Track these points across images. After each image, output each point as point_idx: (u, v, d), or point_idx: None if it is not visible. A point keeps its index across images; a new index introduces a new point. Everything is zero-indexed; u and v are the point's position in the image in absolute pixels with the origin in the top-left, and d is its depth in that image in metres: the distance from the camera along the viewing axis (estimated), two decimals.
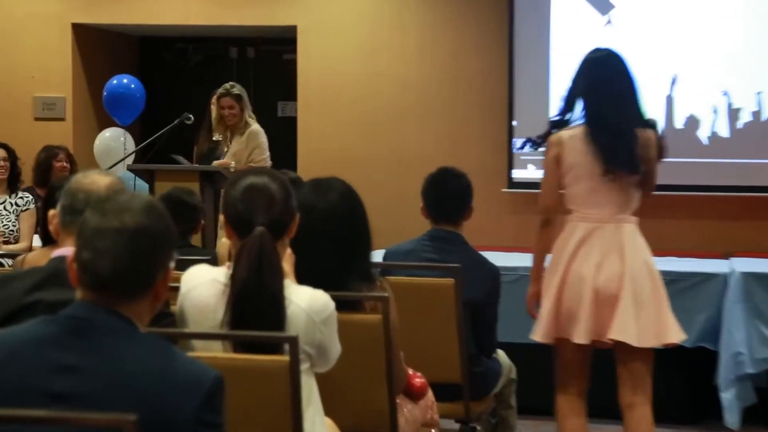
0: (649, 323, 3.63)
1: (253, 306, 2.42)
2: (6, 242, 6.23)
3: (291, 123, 8.75)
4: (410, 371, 3.19)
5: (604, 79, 3.70)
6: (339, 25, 8.28)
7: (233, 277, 2.45)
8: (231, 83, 6.66)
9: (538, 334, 3.78)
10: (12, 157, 6.40)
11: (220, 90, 6.63)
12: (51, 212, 2.63)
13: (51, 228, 2.59)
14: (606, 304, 3.65)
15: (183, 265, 2.70)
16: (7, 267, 4.38)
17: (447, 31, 8.16)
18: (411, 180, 4.40)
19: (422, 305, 3.68)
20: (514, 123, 7.91)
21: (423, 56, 8.18)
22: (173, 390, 1.79)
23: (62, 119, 8.55)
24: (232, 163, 6.44)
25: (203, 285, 2.53)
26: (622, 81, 3.71)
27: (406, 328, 3.26)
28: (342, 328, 2.61)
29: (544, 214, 3.86)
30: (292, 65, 8.53)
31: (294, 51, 8.46)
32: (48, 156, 6.69)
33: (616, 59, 3.74)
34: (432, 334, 3.69)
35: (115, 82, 7.95)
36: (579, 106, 3.79)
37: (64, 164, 6.59)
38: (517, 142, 7.84)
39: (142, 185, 6.28)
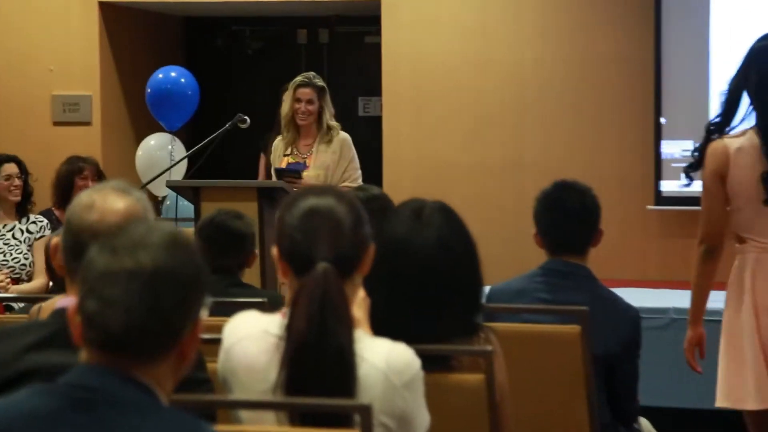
0: None
1: (315, 365, 2.42)
2: (17, 280, 6.33)
3: (374, 124, 8.79)
4: None
5: None
6: None
7: (289, 328, 2.45)
8: (312, 73, 6.70)
9: (748, 399, 3.83)
10: (24, 174, 6.55)
11: (299, 78, 6.64)
12: (54, 240, 2.66)
13: (55, 264, 2.62)
14: None
15: (230, 311, 2.72)
16: (18, 313, 4.46)
17: (574, 6, 8.11)
18: (528, 195, 4.42)
19: (538, 360, 3.65)
20: (663, 121, 7.83)
21: (544, 37, 8.15)
22: None
23: (88, 123, 8.70)
24: (321, 175, 6.45)
25: (251, 338, 2.53)
26: None
27: (516, 390, 3.21)
28: (431, 392, 2.59)
29: (706, 241, 3.93)
30: (375, 51, 8.57)
31: (378, 33, 8.50)
32: (70, 171, 6.83)
33: None
34: (551, 397, 3.66)
35: (161, 76, 8.06)
36: (745, 106, 3.84)
37: (90, 182, 6.71)
38: (666, 145, 7.75)
39: (187, 207, 6.36)
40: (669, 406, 4.38)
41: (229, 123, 6.42)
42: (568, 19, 8.12)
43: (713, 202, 3.94)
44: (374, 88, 8.75)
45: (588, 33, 8.09)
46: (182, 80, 8.06)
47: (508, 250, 7.59)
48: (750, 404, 3.82)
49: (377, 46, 8.49)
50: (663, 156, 7.82)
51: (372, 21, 8.71)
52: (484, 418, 2.89)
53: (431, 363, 2.70)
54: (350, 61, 9.68)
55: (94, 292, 1.86)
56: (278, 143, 6.66)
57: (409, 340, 2.58)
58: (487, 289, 4.05)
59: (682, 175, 7.41)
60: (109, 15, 8.77)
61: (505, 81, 8.22)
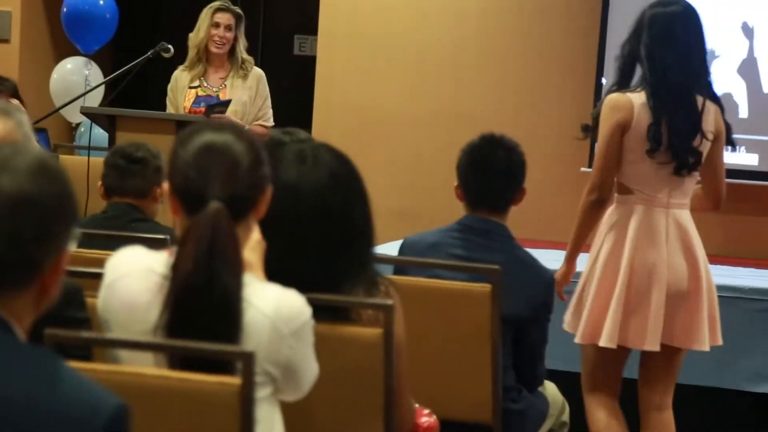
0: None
1: (199, 308, 2.38)
2: None
3: (309, 65, 8.71)
4: (417, 407, 3.15)
5: (676, 39, 4.14)
6: None
7: (175, 268, 2.42)
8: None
9: (603, 336, 4.17)
10: None
11: (216, 2, 6.51)
12: None
13: None
14: (677, 304, 4.18)
15: (123, 245, 2.67)
16: None
17: None
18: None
19: (444, 318, 3.66)
20: (604, 81, 7.83)
21: None
22: (55, 426, 1.74)
23: (6, 41, 8.56)
24: (238, 112, 6.34)
25: (134, 275, 2.49)
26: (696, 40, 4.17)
27: (418, 347, 3.23)
28: (324, 343, 2.58)
29: (599, 191, 4.20)
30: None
31: None
32: None
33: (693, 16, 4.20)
34: (454, 357, 3.67)
35: None
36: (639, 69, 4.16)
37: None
38: None
39: (101, 135, 6.28)
40: (576, 371, 4.44)
41: (151, 51, 6.33)
42: None
43: (612, 153, 4.16)
44: (310, 27, 8.67)
45: None
46: (101, 2, 7.93)
47: (437, 204, 7.60)
48: (604, 341, 4.16)
49: None
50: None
51: None
52: (379, 374, 2.88)
53: (327, 313, 2.69)
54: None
55: None
56: (180, 74, 6.51)
57: (305, 288, 2.56)
58: (400, 241, 4.09)
59: None
60: None
61: (444, 25, 8.18)
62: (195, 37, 6.47)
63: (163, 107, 6.66)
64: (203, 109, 6.28)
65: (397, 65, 8.23)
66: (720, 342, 4.28)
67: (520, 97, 8.09)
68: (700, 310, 4.17)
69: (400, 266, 3.88)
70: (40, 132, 7.46)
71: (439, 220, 5.23)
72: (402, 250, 4.00)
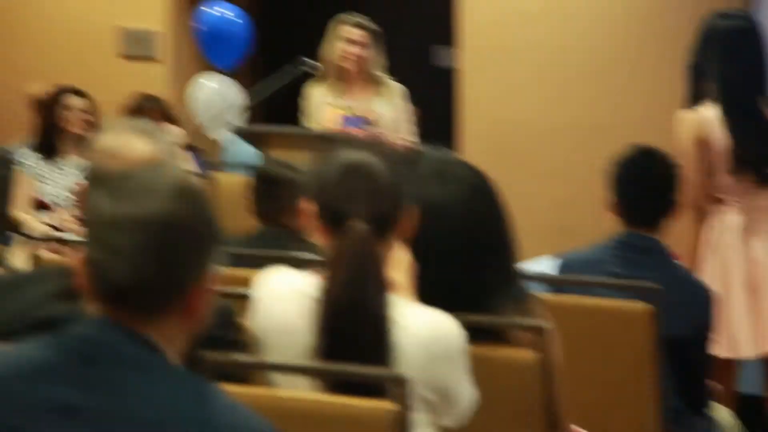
0: None
1: (349, 330, 2.40)
2: None
3: (446, 76, 8.68)
4: (575, 428, 3.13)
5: (740, 54, 4.35)
6: None
7: (324, 291, 2.42)
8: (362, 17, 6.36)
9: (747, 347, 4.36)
10: (92, 106, 6.57)
11: (349, 17, 6.27)
12: (80, 185, 2.64)
13: (81, 210, 2.60)
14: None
15: (275, 266, 2.67)
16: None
17: None
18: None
19: (603, 338, 3.61)
20: None
21: None
22: None
23: (154, 59, 8.71)
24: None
25: (287, 298, 2.52)
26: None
27: (577, 369, 3.19)
28: (477, 365, 2.56)
29: (696, 205, 4.41)
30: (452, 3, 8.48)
31: None
32: (133, 110, 6.81)
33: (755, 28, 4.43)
34: (614, 379, 3.62)
35: (212, 11, 7.96)
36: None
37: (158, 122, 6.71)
38: None
39: (249, 152, 6.34)
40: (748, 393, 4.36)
41: (297, 68, 6.37)
42: None
43: (698, 167, 4.38)
44: (450, 37, 8.63)
45: None
46: (234, 18, 7.97)
47: (595, 218, 7.49)
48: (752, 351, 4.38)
49: None
50: None
51: None
52: (537, 398, 2.84)
53: (478, 334, 2.65)
54: (424, 4, 9.52)
55: (98, 240, 1.82)
56: (314, 90, 6.31)
57: (454, 307, 2.55)
58: (558, 259, 4.05)
59: None
60: None
61: (594, 33, 8.05)
62: (325, 51, 6.28)
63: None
64: (351, 130, 6.23)
65: (543, 74, 8.13)
66: None
67: (674, 106, 7.93)
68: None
69: (554, 285, 3.85)
70: (194, 151, 7.59)
71: (593, 234, 5.17)
72: (564, 267, 3.97)
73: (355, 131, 6.12)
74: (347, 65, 6.17)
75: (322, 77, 6.26)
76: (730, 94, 4.29)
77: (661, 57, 7.91)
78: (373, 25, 6.25)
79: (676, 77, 7.85)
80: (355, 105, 6.24)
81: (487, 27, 8.21)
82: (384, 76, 6.28)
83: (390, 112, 6.27)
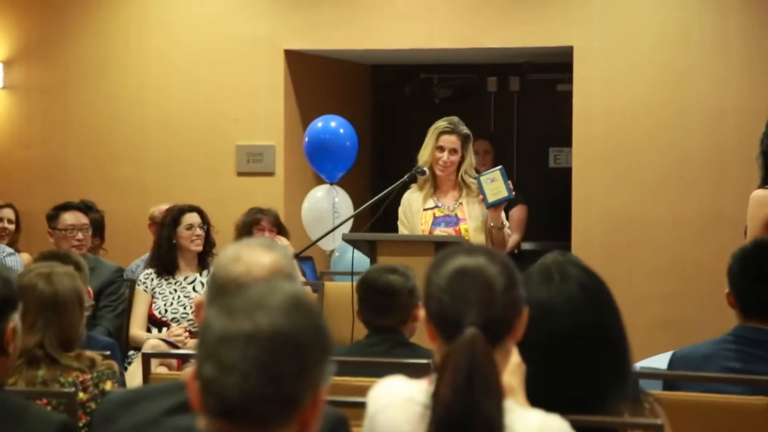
0: None
1: None
2: (196, 334, 6.39)
3: (565, 176, 8.67)
4: None
5: None
6: (630, 43, 8.17)
7: (435, 398, 2.38)
8: (456, 118, 6.43)
9: None
10: (206, 224, 6.65)
11: (442, 123, 6.37)
12: (198, 299, 2.67)
13: (198, 321, 2.63)
14: None
15: (394, 372, 2.66)
16: None
17: None
18: (728, 252, 4.38)
19: None
20: None
21: (747, 82, 7.92)
22: None
23: (271, 174, 8.84)
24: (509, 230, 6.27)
25: (396, 406, 2.47)
26: None
27: None
28: None
29: None
30: (567, 99, 8.48)
31: (570, 80, 8.41)
32: (248, 223, 6.92)
33: None
34: None
35: (320, 125, 8.11)
36: None
37: (267, 234, 6.79)
38: None
39: (361, 260, 6.37)
40: None
41: (407, 174, 6.40)
42: None
43: None
44: (566, 139, 8.64)
45: None
46: (341, 131, 8.08)
47: (704, 312, 7.37)
48: None
49: (569, 94, 8.39)
50: None
51: (564, 68, 8.63)
52: None
53: None
54: (541, 109, 9.60)
55: (211, 356, 1.82)
56: (411, 196, 6.42)
57: (566, 409, 2.49)
58: (669, 354, 3.97)
59: None
60: (295, 63, 8.89)
61: (703, 130, 8.01)
62: (420, 158, 6.39)
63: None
64: (444, 230, 6.26)
65: (653, 168, 8.08)
66: None
67: None
68: None
69: (670, 381, 3.77)
70: (306, 260, 7.65)
71: (708, 329, 5.07)
72: (672, 363, 3.89)
73: (445, 230, 6.20)
74: (438, 171, 6.30)
75: (419, 182, 6.36)
76: None
77: None
78: (465, 129, 6.34)
79: None
80: (448, 206, 6.33)
81: (599, 123, 8.20)
82: (472, 181, 6.31)
83: (481, 209, 6.28)
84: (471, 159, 6.37)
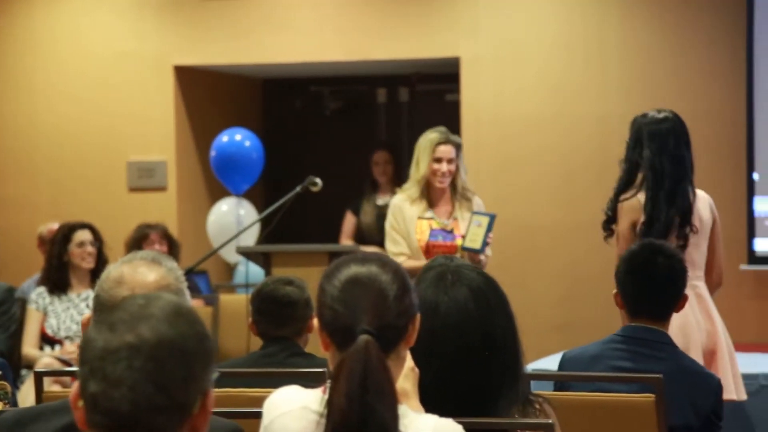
0: None
1: None
2: None
3: None
4: None
5: (670, 151, 5.07)
6: (516, 54, 8.27)
7: (330, 405, 2.39)
8: (444, 128, 6.20)
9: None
10: (98, 241, 6.60)
11: (435, 135, 6.10)
12: (86, 317, 2.64)
13: None
14: (709, 361, 4.79)
15: (290, 382, 2.66)
16: None
17: (661, 57, 8.01)
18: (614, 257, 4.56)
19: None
20: (755, 177, 7.68)
21: (630, 92, 8.06)
22: None
23: (163, 189, 8.79)
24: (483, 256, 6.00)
25: (291, 414, 2.47)
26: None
27: None
28: None
29: None
30: (456, 109, 8.56)
31: (458, 90, 8.49)
32: (136, 239, 6.88)
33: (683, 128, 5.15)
34: None
35: (225, 138, 8.13)
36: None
37: (156, 247, 6.76)
38: (759, 201, 7.62)
39: (259, 273, 6.37)
40: None
41: (299, 186, 6.41)
42: (654, 74, 8.03)
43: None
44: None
45: (676, 87, 7.99)
46: (247, 143, 8.09)
47: (596, 314, 7.48)
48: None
49: (458, 105, 8.47)
50: (756, 213, 7.69)
51: (452, 79, 8.70)
52: None
53: None
54: (431, 120, 9.60)
55: (95, 372, 1.80)
56: (404, 204, 6.11)
57: (458, 411, 2.51)
58: (559, 355, 4.03)
59: None
60: (185, 79, 8.86)
61: (588, 139, 8.14)
62: (416, 172, 6.11)
63: (316, 239, 6.69)
64: (442, 243, 6.07)
65: (543, 176, 8.19)
66: (745, 397, 4.89)
67: None
68: (725, 367, 4.76)
69: (560, 381, 3.82)
70: (201, 274, 7.62)
71: (600, 331, 5.15)
72: (562, 364, 3.94)
73: (443, 243, 6.04)
74: (437, 183, 6.06)
75: (410, 198, 6.11)
76: (662, 184, 4.97)
77: None
78: (458, 138, 6.17)
79: None
80: (442, 219, 6.12)
81: (489, 134, 8.28)
82: (468, 189, 6.18)
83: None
84: (464, 167, 6.18)
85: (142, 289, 2.45)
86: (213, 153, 8.08)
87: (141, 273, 2.50)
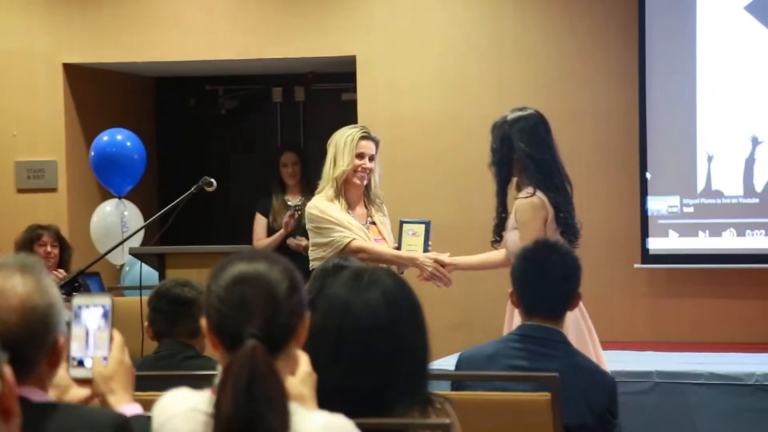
0: None
1: None
2: None
3: None
4: None
5: (544, 141, 5.27)
6: (411, 52, 8.28)
7: (216, 409, 2.35)
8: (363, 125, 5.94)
9: None
10: None
11: (356, 131, 5.75)
12: None
13: None
14: None
15: (185, 384, 2.62)
16: None
17: (556, 58, 8.09)
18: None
19: (506, 430, 3.60)
20: (648, 176, 7.78)
21: (524, 93, 8.11)
22: None
23: (53, 190, 8.66)
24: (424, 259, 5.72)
25: (181, 416, 2.44)
26: None
27: None
28: None
29: None
30: (352, 108, 8.54)
31: (354, 90, 8.47)
32: (28, 240, 6.77)
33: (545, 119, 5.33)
34: None
35: (105, 138, 8.01)
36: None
37: (49, 249, 6.66)
38: (652, 201, 7.72)
39: (151, 274, 6.28)
40: None
41: (194, 186, 6.33)
42: (549, 74, 8.09)
43: None
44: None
45: (569, 87, 8.06)
46: (128, 143, 8.00)
47: (494, 313, 7.50)
48: None
49: (354, 104, 8.46)
50: (649, 212, 7.77)
51: (348, 78, 8.69)
52: None
53: None
54: (327, 119, 9.61)
55: None
56: (328, 203, 5.67)
57: (356, 411, 2.50)
58: (456, 355, 4.04)
59: (671, 232, 7.52)
60: (75, 77, 8.73)
61: (484, 138, 8.14)
62: (333, 169, 5.71)
63: (206, 239, 6.59)
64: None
65: (438, 175, 8.21)
66: None
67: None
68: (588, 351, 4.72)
69: (458, 381, 3.82)
70: (93, 276, 7.50)
71: (496, 330, 5.18)
72: (459, 364, 3.96)
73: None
74: (356, 180, 5.71)
75: (327, 197, 5.70)
76: (549, 175, 5.16)
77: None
78: (378, 136, 5.86)
79: (580, 148, 7.99)
80: (359, 221, 5.75)
81: (385, 133, 8.27)
82: (380, 192, 5.89)
83: (385, 225, 5.90)
84: (379, 168, 5.85)
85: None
86: (92, 153, 7.97)
87: (10, 285, 2.42)
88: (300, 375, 2.46)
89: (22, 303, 2.40)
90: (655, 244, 7.76)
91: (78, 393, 2.65)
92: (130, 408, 2.65)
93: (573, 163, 7.96)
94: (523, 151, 5.14)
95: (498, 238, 5.36)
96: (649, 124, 7.78)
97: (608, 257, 7.80)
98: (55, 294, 2.48)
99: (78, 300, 2.71)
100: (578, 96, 8.02)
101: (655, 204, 7.73)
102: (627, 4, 7.91)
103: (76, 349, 2.68)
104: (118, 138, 8.02)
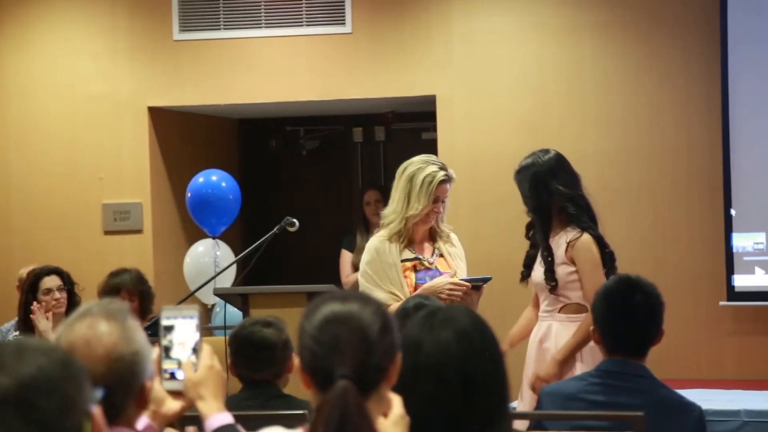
0: None
1: None
2: None
3: None
4: None
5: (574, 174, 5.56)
6: (490, 91, 8.32)
7: None
8: (440, 160, 5.74)
9: None
10: (68, 284, 6.57)
11: (437, 171, 5.54)
12: None
13: None
14: None
15: (261, 425, 2.68)
16: None
17: (636, 93, 8.08)
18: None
19: None
20: (733, 212, 7.74)
21: (604, 128, 8.13)
22: None
23: (139, 231, 8.79)
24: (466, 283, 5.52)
25: None
26: None
27: None
28: None
29: None
30: (432, 147, 8.60)
31: (435, 129, 8.53)
32: (111, 287, 6.67)
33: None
34: None
35: (201, 180, 8.16)
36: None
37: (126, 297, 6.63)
38: (737, 237, 7.68)
39: (236, 315, 6.38)
40: None
41: (277, 227, 6.43)
42: (631, 110, 8.09)
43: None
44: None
45: (652, 123, 8.05)
46: (223, 184, 8.13)
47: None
48: None
49: (434, 143, 8.51)
50: (734, 249, 7.72)
51: (428, 117, 8.75)
52: None
53: None
54: (407, 158, 9.67)
55: None
56: (384, 245, 5.56)
57: None
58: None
59: (758, 270, 7.50)
60: (160, 120, 8.87)
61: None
62: (406, 208, 5.50)
63: (288, 279, 6.62)
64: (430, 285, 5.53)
65: (519, 213, 8.21)
66: None
67: (650, 236, 8.01)
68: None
69: (538, 421, 3.83)
70: None
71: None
72: (539, 402, 3.95)
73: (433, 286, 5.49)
74: (430, 221, 5.58)
75: (390, 234, 5.58)
76: (588, 209, 5.39)
77: (630, 197, 8.00)
78: (453, 172, 5.66)
79: (643, 213, 7.98)
80: (427, 258, 5.62)
81: (465, 171, 8.31)
82: (443, 224, 5.70)
83: (461, 258, 5.74)
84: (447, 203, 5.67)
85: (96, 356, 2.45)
86: (189, 194, 8.11)
87: (95, 337, 2.48)
88: (393, 418, 2.47)
89: (108, 353, 2.46)
90: (740, 281, 7.71)
91: (173, 405, 2.76)
92: (218, 418, 2.70)
93: (656, 200, 8.01)
94: (562, 193, 5.35)
95: (527, 273, 5.60)
96: (732, 159, 7.74)
97: (693, 294, 7.77)
98: (141, 339, 2.53)
99: (167, 312, 2.80)
100: (660, 131, 8.01)
101: (741, 241, 7.69)
102: (708, 36, 7.90)
103: (167, 362, 2.77)
104: (213, 179, 8.17)
